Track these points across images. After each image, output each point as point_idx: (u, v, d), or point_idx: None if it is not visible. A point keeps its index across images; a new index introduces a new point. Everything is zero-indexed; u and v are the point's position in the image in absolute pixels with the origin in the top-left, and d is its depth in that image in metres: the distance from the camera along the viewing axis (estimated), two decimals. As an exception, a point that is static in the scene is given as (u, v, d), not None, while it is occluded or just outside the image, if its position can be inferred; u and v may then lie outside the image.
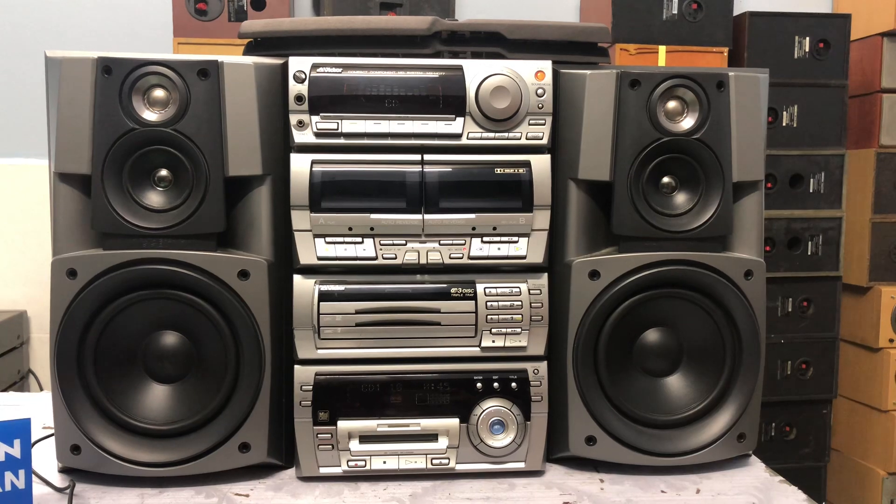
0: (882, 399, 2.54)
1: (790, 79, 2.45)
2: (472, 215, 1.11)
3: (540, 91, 1.11)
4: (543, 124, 1.12)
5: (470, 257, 1.12)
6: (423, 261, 1.11)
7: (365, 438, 1.11)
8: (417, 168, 1.10)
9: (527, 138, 1.12)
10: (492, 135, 1.11)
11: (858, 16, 2.56)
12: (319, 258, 1.10)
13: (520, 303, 1.12)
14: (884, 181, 2.53)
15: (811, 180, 2.50)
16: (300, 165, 1.09)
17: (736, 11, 2.48)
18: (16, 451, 0.96)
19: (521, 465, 1.14)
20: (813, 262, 2.52)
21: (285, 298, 1.11)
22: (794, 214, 2.50)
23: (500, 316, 1.12)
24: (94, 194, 1.05)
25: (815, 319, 2.55)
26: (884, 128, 2.52)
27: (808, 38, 2.46)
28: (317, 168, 1.09)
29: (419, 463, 1.12)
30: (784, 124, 2.47)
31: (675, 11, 2.42)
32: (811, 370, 2.56)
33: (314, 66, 1.09)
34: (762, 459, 1.22)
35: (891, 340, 2.53)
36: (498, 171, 1.11)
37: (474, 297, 1.11)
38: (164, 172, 1.07)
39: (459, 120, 1.11)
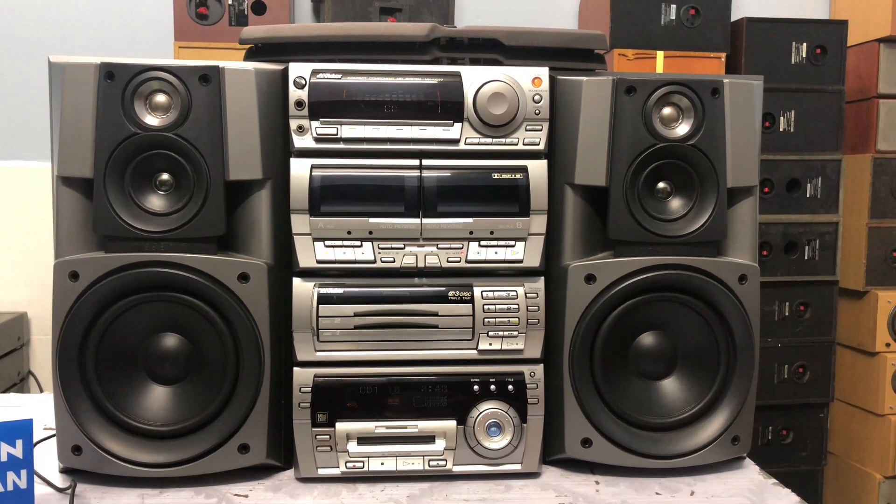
0: (879, 403, 2.55)
1: (787, 84, 2.47)
2: (470, 219, 1.12)
3: (537, 97, 1.12)
4: (540, 130, 1.13)
5: (467, 261, 1.13)
6: (421, 264, 1.12)
7: (363, 440, 1.12)
8: (416, 173, 1.12)
9: (524, 144, 1.13)
10: (489, 140, 1.12)
11: (855, 22, 2.58)
12: (319, 261, 1.11)
13: (516, 306, 1.13)
14: (880, 186, 2.54)
15: (808, 185, 2.51)
16: (300, 170, 1.10)
17: (733, 17, 2.49)
18: (18, 451, 0.97)
19: (517, 467, 1.15)
20: (810, 267, 2.53)
21: (285, 301, 1.12)
22: (790, 219, 2.51)
23: (497, 319, 1.13)
24: (97, 198, 1.06)
25: (812, 324, 2.56)
26: (880, 133, 2.53)
27: (805, 44, 2.47)
28: (316, 172, 1.10)
29: (417, 464, 1.13)
30: (781, 129, 2.49)
31: (672, 17, 2.44)
32: (808, 374, 2.56)
33: (314, 72, 1.10)
34: (759, 463, 1.23)
35: (887, 345, 2.54)
36: (495, 176, 1.12)
37: (471, 301, 1.12)
38: (165, 176, 1.09)
39: (457, 125, 1.12)
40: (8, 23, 2.63)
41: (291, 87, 1.10)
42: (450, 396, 1.13)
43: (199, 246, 1.08)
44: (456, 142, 1.12)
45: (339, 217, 1.11)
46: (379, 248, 1.12)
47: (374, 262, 1.12)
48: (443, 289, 1.13)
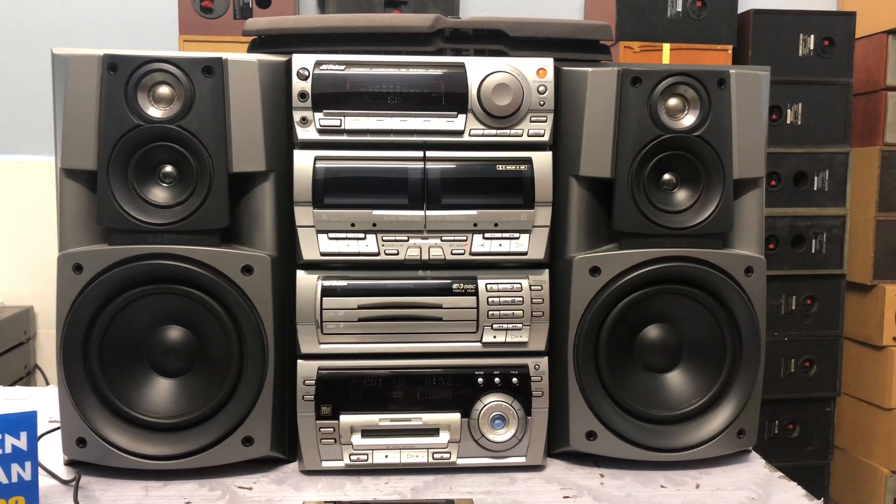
0: (885, 397, 2.54)
1: (794, 76, 2.45)
2: (474, 211, 1.12)
3: (542, 88, 1.12)
4: (545, 121, 1.12)
5: (471, 253, 1.12)
6: (425, 256, 1.12)
7: (367, 433, 1.12)
8: (420, 165, 1.11)
9: (528, 135, 1.12)
10: (493, 132, 1.12)
11: (863, 13, 2.56)
12: (322, 254, 1.11)
13: (521, 298, 1.12)
14: (888, 179, 2.53)
15: (815, 178, 2.50)
16: (303, 162, 1.10)
17: (740, 9, 2.48)
18: (22, 443, 0.97)
19: (521, 460, 1.15)
20: (817, 260, 2.52)
21: (288, 294, 1.12)
22: (798, 212, 2.50)
23: (502, 311, 1.12)
24: (100, 190, 1.06)
25: (819, 317, 2.55)
26: (888, 126, 2.52)
27: (812, 36, 2.46)
28: (320, 164, 1.10)
29: (421, 457, 1.12)
30: (788, 122, 2.47)
31: (679, 9, 2.42)
32: (815, 368, 2.56)
33: (317, 63, 1.10)
34: (765, 457, 1.22)
35: (895, 338, 2.53)
36: (500, 167, 1.12)
37: (476, 293, 1.12)
38: (168, 168, 1.09)
39: (461, 117, 1.11)
40: (12, 17, 2.63)
41: (295, 79, 1.09)
42: (454, 389, 1.13)
43: (202, 238, 1.08)
44: (460, 133, 1.12)
45: (342, 209, 1.10)
46: (383, 240, 1.11)
47: (378, 254, 1.11)
48: (447, 281, 1.12)
